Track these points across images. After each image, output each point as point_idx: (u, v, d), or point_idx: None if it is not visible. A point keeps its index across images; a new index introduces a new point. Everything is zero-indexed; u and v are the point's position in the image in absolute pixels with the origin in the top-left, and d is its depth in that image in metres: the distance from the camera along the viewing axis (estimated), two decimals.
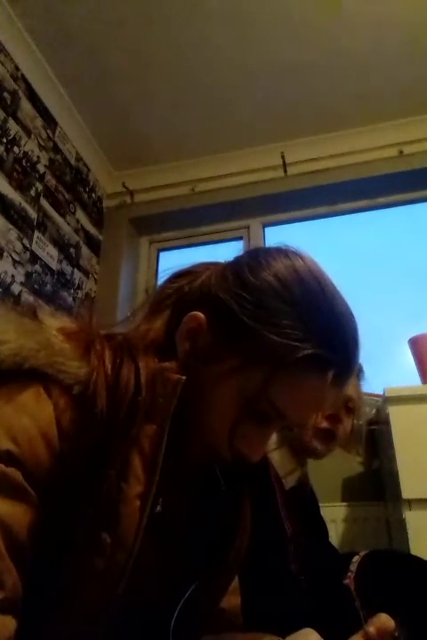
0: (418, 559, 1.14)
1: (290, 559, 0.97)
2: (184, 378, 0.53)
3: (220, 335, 0.56)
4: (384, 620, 0.53)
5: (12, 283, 1.84)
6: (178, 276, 0.65)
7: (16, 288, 1.86)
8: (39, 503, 0.47)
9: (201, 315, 0.57)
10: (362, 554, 1.08)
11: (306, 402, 0.55)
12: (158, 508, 0.55)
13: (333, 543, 1.77)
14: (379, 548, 1.12)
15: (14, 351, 0.49)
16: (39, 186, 2.07)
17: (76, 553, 0.49)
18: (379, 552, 1.11)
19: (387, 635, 0.52)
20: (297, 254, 0.58)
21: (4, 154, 1.85)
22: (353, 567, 1.03)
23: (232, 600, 0.74)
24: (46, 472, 0.47)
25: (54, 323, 0.57)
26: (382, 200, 2.45)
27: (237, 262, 0.61)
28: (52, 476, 0.48)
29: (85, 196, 2.46)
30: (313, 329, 0.52)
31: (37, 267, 2.01)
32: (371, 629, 0.52)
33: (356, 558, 1.07)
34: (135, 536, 0.50)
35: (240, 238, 2.62)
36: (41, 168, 2.09)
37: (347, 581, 1.00)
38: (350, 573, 1.02)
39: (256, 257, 0.59)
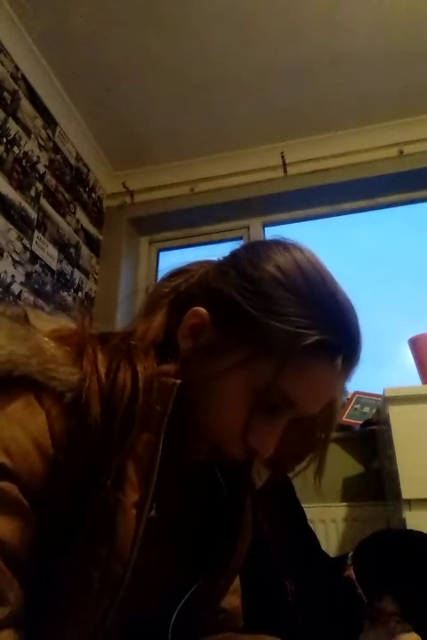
0: (411, 532, 1.14)
1: (272, 559, 0.98)
2: (179, 382, 0.52)
3: (224, 329, 0.55)
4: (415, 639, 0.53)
5: (11, 283, 1.84)
6: (174, 274, 0.64)
7: (16, 288, 1.86)
8: (36, 515, 0.47)
9: (203, 310, 0.56)
10: (356, 546, 1.09)
11: (316, 389, 0.55)
12: (153, 512, 0.54)
13: (328, 540, 1.79)
14: (371, 534, 1.12)
15: (5, 358, 0.48)
16: (39, 186, 2.07)
17: (73, 565, 0.48)
18: (371, 537, 1.11)
19: None
20: (295, 246, 0.58)
21: (4, 154, 1.85)
22: (350, 561, 1.04)
23: (233, 601, 0.74)
24: (41, 483, 0.47)
25: (46, 326, 0.56)
26: (382, 200, 2.45)
27: (235, 257, 0.60)
28: (47, 486, 0.47)
29: (85, 195, 2.46)
30: (318, 316, 0.52)
31: (37, 267, 2.01)
32: None
33: (351, 554, 1.08)
34: (132, 546, 0.49)
35: (240, 238, 2.61)
36: (41, 168, 2.09)
37: (347, 573, 1.01)
38: (348, 566, 1.02)
39: (255, 250, 0.59)
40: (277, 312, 0.52)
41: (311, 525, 1.79)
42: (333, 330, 0.52)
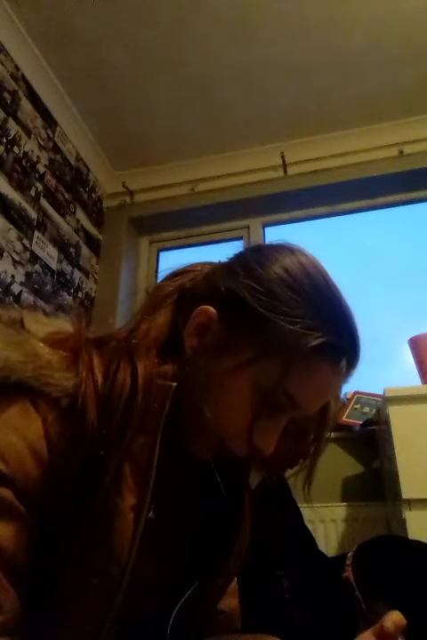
0: (412, 541, 1.14)
1: (268, 557, 0.98)
2: (175, 384, 0.52)
3: (232, 328, 0.55)
4: (398, 617, 0.54)
5: (11, 283, 1.84)
6: (176, 274, 0.65)
7: (16, 288, 1.86)
8: (32, 520, 0.47)
9: (212, 309, 0.56)
10: (355, 547, 1.09)
11: (319, 390, 0.56)
12: (150, 513, 0.53)
13: (328, 540, 1.79)
14: (372, 538, 1.12)
15: (1, 364, 0.48)
16: (39, 186, 2.07)
17: (71, 569, 0.48)
18: (372, 540, 1.11)
19: (401, 631, 0.53)
20: (300, 250, 0.59)
21: (4, 154, 1.85)
22: (349, 561, 1.04)
23: (231, 602, 0.74)
24: (37, 488, 0.47)
25: (43, 329, 0.56)
26: (382, 200, 2.45)
27: (243, 257, 0.61)
28: (44, 491, 0.47)
29: (85, 195, 2.46)
30: (324, 318, 0.53)
31: (37, 267, 2.01)
32: (388, 625, 0.53)
33: (350, 553, 1.07)
34: (130, 550, 0.49)
35: (240, 238, 2.62)
36: (41, 168, 2.09)
37: (346, 574, 1.00)
38: (347, 567, 1.02)
39: (263, 252, 0.59)
40: (285, 313, 0.52)
41: (311, 525, 1.80)
42: (338, 332, 0.53)
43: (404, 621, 0.54)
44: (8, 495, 0.46)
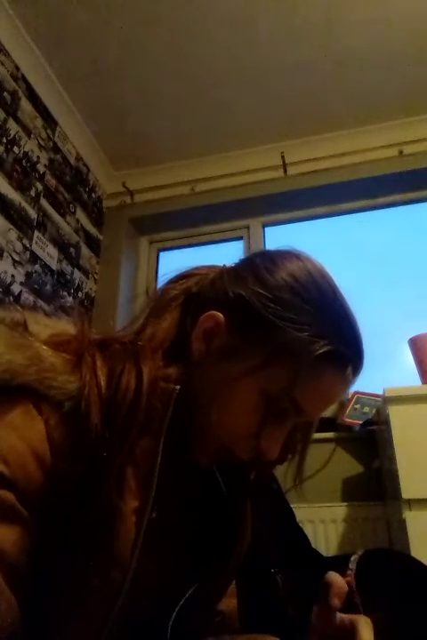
0: (416, 560, 1.14)
1: (263, 555, 0.98)
2: (178, 387, 0.52)
3: (240, 334, 0.55)
4: (340, 584, 0.55)
5: (11, 283, 1.84)
6: (182, 277, 0.64)
7: (16, 288, 1.86)
8: (33, 523, 0.47)
9: (220, 314, 0.56)
10: (360, 552, 1.08)
11: (324, 397, 0.56)
12: (153, 514, 0.53)
13: (328, 541, 1.79)
14: (379, 547, 1.12)
15: (4, 366, 0.48)
16: (39, 186, 2.07)
17: (72, 572, 0.48)
18: (379, 550, 1.10)
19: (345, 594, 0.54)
20: (306, 257, 0.59)
21: (4, 154, 1.85)
22: (353, 565, 1.03)
23: (230, 603, 0.74)
24: (39, 491, 0.46)
25: (45, 331, 0.56)
26: (382, 200, 2.45)
27: (251, 263, 0.60)
28: (46, 494, 0.47)
29: (85, 196, 2.46)
30: (330, 326, 0.54)
31: (37, 267, 2.01)
32: (335, 601, 0.54)
33: (354, 557, 1.07)
34: (132, 552, 0.49)
35: (240, 238, 2.62)
36: (41, 168, 2.09)
37: (347, 579, 1.00)
38: (349, 571, 1.02)
39: (270, 258, 0.60)
40: (292, 320, 0.53)
41: (311, 525, 1.80)
42: (344, 340, 0.54)
43: (344, 584, 0.57)
44: (10, 498, 0.45)
